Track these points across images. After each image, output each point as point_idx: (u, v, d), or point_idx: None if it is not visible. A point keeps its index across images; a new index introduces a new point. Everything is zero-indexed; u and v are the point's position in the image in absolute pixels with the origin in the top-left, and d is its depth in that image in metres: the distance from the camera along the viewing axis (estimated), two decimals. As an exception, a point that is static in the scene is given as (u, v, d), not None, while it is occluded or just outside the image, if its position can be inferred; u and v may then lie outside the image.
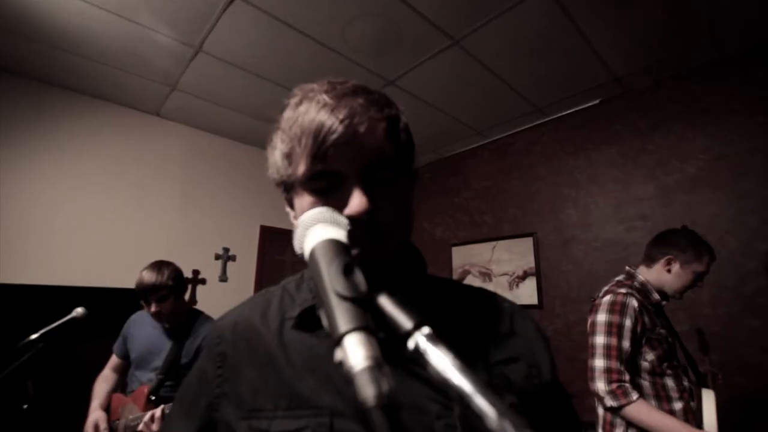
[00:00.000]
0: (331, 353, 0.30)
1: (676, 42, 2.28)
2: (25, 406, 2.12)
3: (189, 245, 3.12)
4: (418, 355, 0.26)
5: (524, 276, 3.07)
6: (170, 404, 1.40)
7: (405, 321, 0.27)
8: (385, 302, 0.27)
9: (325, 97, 0.47)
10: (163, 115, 3.14)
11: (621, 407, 1.38)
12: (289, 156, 0.49)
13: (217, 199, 3.38)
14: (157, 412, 1.42)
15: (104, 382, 1.78)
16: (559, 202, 3.04)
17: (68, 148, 2.70)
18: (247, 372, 0.51)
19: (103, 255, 2.75)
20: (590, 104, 2.93)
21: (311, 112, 0.46)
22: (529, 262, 3.06)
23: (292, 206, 0.54)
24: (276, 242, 3.63)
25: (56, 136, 2.66)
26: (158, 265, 1.64)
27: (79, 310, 1.45)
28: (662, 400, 1.45)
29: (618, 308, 1.46)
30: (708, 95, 2.45)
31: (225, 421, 0.50)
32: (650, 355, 1.45)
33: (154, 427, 1.40)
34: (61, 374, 2.55)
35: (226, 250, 3.34)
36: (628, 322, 1.44)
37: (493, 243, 3.32)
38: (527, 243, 3.09)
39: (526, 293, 3.01)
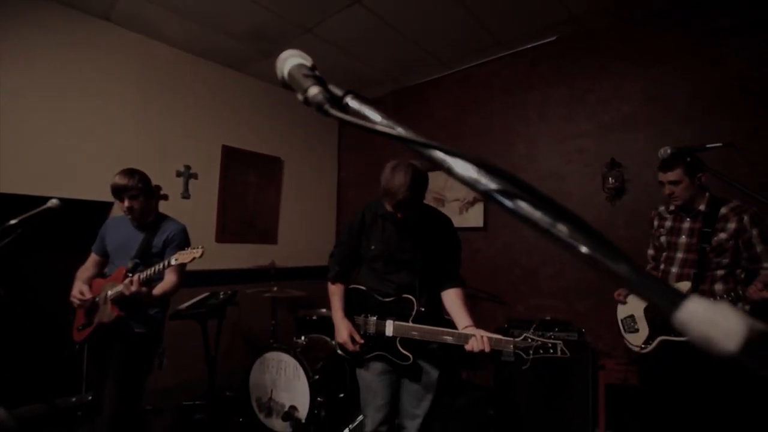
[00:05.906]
0: (388, 226, 1.69)
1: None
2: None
3: (149, 161, 3.09)
4: (348, 108, 0.43)
5: (473, 202, 3.36)
6: (145, 270, 1.73)
7: (338, 91, 0.44)
8: (331, 86, 0.44)
9: (402, 179, 1.46)
10: (114, 21, 2.95)
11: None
12: (386, 189, 1.51)
13: (177, 116, 3.31)
14: (135, 276, 1.67)
15: (85, 271, 2.05)
16: (511, 135, 3.26)
17: (13, 49, 2.53)
18: (366, 228, 1.73)
19: (59, 166, 2.71)
20: (548, 40, 3.06)
21: (395, 182, 1.47)
22: (479, 190, 3.33)
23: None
24: (238, 162, 3.66)
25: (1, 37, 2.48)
26: (130, 171, 1.91)
27: (54, 201, 1.53)
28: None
29: None
30: (650, 39, 2.65)
31: (360, 243, 1.75)
32: (650, 250, 2.22)
33: (134, 287, 1.65)
34: (29, 282, 2.67)
35: (188, 167, 3.36)
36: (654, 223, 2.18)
37: (448, 172, 3.55)
38: (478, 172, 3.34)
39: (474, 217, 3.32)
